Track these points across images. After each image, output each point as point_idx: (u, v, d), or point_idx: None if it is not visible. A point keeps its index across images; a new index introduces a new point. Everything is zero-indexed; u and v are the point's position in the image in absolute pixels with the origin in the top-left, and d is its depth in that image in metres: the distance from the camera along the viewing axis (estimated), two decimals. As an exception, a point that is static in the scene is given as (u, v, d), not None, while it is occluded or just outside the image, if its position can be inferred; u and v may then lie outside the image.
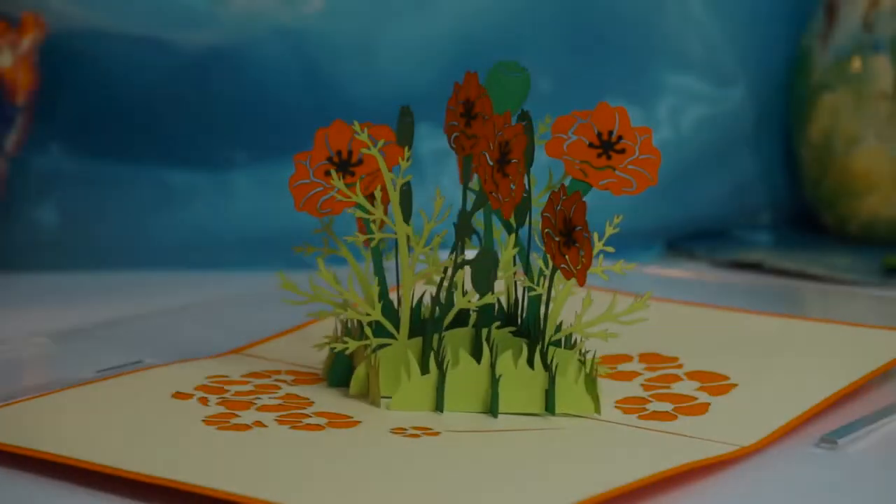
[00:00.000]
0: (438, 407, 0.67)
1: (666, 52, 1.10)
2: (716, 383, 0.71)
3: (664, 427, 0.65)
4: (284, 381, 0.72)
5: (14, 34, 0.97)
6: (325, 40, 1.04)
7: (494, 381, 0.66)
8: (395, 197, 0.68)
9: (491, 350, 0.67)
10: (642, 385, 0.71)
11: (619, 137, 0.68)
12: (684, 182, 1.10)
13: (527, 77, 0.68)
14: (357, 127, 0.67)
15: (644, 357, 0.74)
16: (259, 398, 0.69)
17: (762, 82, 1.12)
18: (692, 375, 0.72)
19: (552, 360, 0.67)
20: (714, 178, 1.12)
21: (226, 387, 0.71)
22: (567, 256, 0.64)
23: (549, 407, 0.67)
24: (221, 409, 0.67)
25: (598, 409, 0.67)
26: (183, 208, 1.05)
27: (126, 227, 1.05)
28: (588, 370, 0.67)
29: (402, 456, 0.61)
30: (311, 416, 0.67)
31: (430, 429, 0.64)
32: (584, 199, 0.66)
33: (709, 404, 0.68)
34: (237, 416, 0.66)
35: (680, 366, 0.73)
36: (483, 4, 1.07)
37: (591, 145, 0.68)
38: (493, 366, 0.67)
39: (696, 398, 0.69)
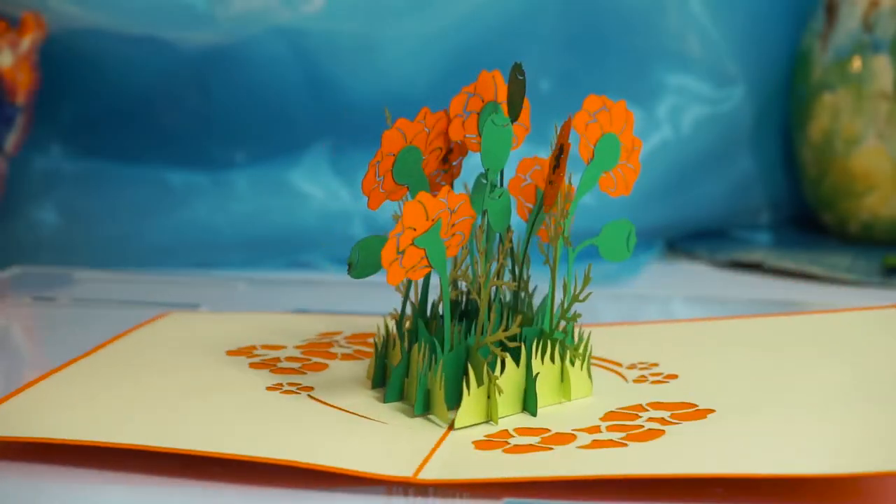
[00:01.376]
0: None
1: (666, 52, 1.10)
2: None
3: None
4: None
5: (14, 34, 0.97)
6: (325, 40, 1.04)
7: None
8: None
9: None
10: None
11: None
12: (684, 182, 1.10)
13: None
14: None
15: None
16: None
17: (762, 82, 1.13)
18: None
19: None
20: (714, 178, 1.12)
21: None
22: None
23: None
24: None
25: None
26: (183, 208, 1.05)
27: (126, 227, 1.05)
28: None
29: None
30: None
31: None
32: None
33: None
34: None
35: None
36: (483, 4, 1.07)
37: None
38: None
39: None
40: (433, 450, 0.63)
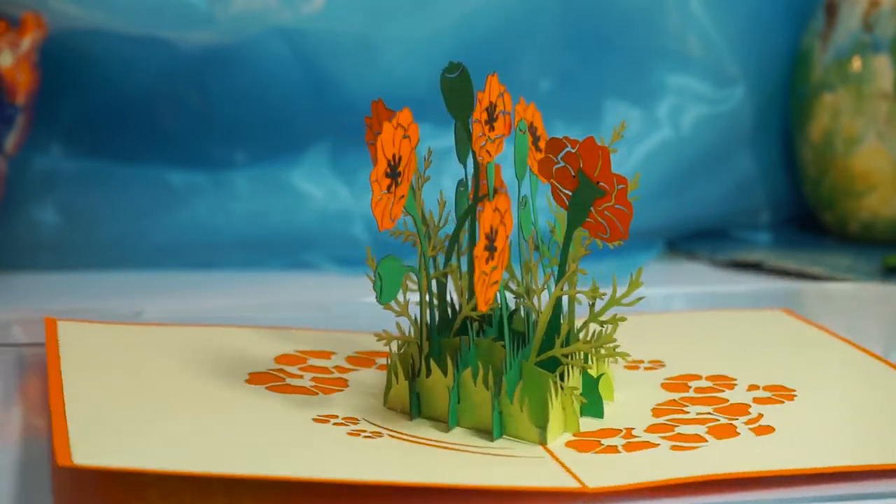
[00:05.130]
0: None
1: (666, 52, 1.10)
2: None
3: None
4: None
5: (14, 34, 0.97)
6: (325, 40, 1.04)
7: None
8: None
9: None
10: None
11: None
12: (684, 182, 1.10)
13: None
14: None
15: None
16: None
17: (762, 82, 1.12)
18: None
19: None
20: (714, 178, 1.12)
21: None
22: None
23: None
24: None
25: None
26: (183, 208, 1.05)
27: (126, 227, 1.05)
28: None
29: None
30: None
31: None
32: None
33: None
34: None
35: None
36: (483, 4, 1.07)
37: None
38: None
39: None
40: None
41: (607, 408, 0.70)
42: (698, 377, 0.75)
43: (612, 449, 0.65)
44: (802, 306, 0.96)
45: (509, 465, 0.63)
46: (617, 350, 0.68)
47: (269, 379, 0.73)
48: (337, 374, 0.74)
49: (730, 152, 1.12)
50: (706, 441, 0.66)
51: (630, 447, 0.65)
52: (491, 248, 0.63)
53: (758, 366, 0.76)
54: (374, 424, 0.67)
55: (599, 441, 0.66)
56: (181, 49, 1.03)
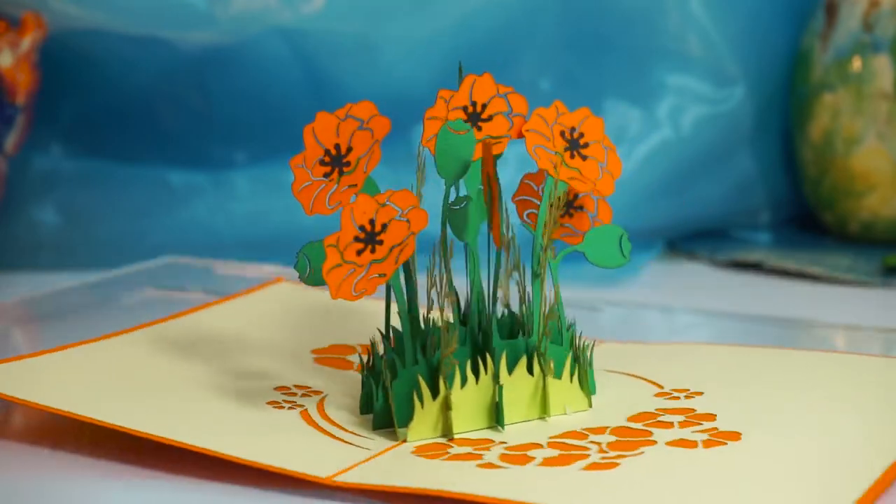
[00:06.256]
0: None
1: (666, 52, 1.10)
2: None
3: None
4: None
5: (14, 34, 0.97)
6: (325, 40, 1.04)
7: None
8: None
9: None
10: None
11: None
12: (684, 182, 1.10)
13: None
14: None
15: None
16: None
17: (762, 82, 1.12)
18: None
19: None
20: (714, 178, 1.12)
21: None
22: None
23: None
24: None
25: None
26: (183, 208, 1.05)
27: (126, 227, 1.05)
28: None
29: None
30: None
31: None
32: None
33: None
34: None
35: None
36: (483, 4, 1.07)
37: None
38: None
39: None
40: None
41: (549, 420, 0.66)
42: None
43: (450, 456, 0.62)
44: (802, 306, 0.96)
45: (314, 445, 0.63)
46: (570, 327, 0.67)
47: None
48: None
49: (730, 152, 1.12)
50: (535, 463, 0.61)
51: (463, 457, 0.62)
52: (371, 241, 0.63)
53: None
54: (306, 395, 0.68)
55: (447, 450, 0.63)
56: (181, 49, 1.03)
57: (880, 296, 0.99)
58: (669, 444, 0.63)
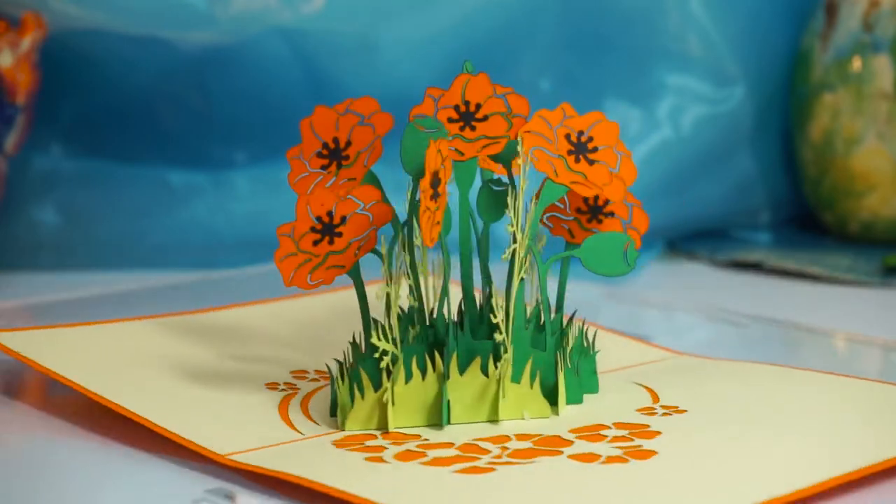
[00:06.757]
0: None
1: (666, 52, 1.10)
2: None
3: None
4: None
5: (14, 34, 0.97)
6: (325, 40, 1.04)
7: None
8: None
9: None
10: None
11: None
12: (684, 182, 1.10)
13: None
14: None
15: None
16: None
17: (762, 82, 1.12)
18: None
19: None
20: (714, 178, 1.12)
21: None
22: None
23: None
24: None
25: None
26: (183, 208, 1.05)
27: (126, 227, 1.05)
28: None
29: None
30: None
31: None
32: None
33: None
34: None
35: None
36: (483, 4, 1.07)
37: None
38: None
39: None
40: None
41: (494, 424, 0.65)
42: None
43: (375, 449, 0.61)
44: (802, 306, 0.96)
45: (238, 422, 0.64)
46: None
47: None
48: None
49: (730, 152, 1.12)
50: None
51: (371, 449, 0.62)
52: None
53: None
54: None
55: (363, 442, 0.63)
56: (181, 49, 1.03)
57: (880, 296, 0.99)
58: (571, 456, 0.60)
